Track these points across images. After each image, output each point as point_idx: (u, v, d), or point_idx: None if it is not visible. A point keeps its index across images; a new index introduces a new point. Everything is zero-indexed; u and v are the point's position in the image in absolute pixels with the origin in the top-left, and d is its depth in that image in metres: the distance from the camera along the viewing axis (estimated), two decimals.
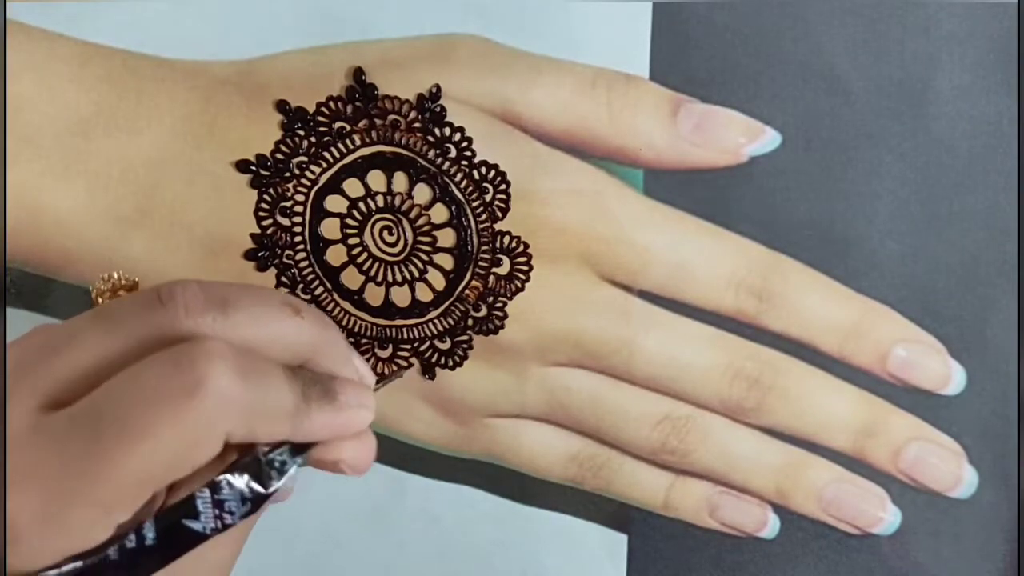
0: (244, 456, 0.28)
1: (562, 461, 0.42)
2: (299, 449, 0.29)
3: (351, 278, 0.40)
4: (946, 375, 0.41)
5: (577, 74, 0.40)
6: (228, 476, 0.27)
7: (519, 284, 0.40)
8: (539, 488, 0.42)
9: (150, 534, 0.26)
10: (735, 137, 0.40)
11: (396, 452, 0.42)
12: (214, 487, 0.27)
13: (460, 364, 0.41)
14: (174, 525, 0.27)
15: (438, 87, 0.39)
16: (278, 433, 0.28)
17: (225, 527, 0.27)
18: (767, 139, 0.40)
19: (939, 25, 0.39)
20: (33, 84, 0.39)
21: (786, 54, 0.40)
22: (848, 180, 0.40)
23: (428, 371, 0.41)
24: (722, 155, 0.40)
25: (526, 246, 0.40)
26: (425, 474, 0.42)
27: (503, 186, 0.40)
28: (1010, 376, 0.41)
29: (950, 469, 0.41)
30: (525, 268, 0.40)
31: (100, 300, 0.29)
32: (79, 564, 0.26)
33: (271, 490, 0.28)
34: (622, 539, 0.43)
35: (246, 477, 0.28)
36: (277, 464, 0.28)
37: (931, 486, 0.42)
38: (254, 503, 0.28)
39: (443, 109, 0.39)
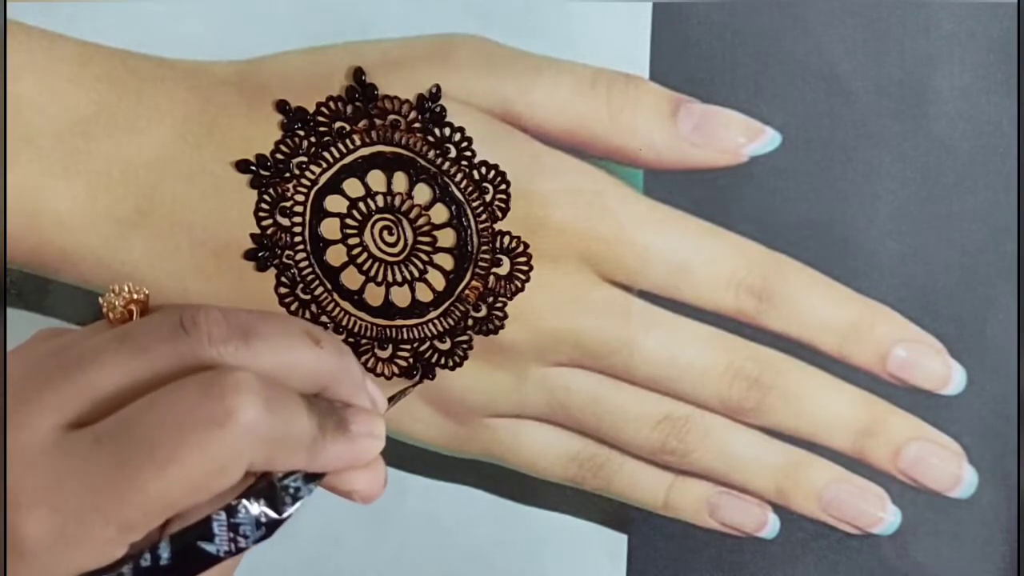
0: (259, 482, 0.28)
1: (562, 461, 0.42)
2: (312, 476, 0.29)
3: (351, 278, 0.40)
4: (946, 375, 0.41)
5: (577, 74, 0.40)
6: (244, 501, 0.28)
7: (519, 284, 0.40)
8: (539, 488, 0.42)
9: (165, 554, 0.27)
10: (735, 137, 0.40)
11: (396, 452, 0.42)
12: (230, 511, 0.27)
13: (460, 364, 0.41)
14: (189, 547, 0.27)
15: (438, 87, 0.39)
16: (295, 463, 0.28)
17: (239, 551, 0.27)
18: (767, 139, 0.40)
19: (939, 25, 0.39)
20: (33, 84, 0.39)
21: (786, 54, 0.40)
22: (848, 180, 0.40)
23: (428, 371, 0.41)
24: (722, 155, 0.40)
25: (526, 246, 0.40)
26: (425, 474, 0.42)
27: (503, 186, 0.40)
28: (1010, 376, 0.41)
29: (950, 469, 0.41)
30: (525, 268, 0.40)
31: (111, 314, 0.29)
32: None
33: (285, 515, 0.28)
34: (622, 539, 0.43)
35: (261, 502, 0.28)
36: (291, 490, 0.28)
37: (931, 486, 0.42)
38: (268, 528, 0.28)
39: (443, 109, 0.39)
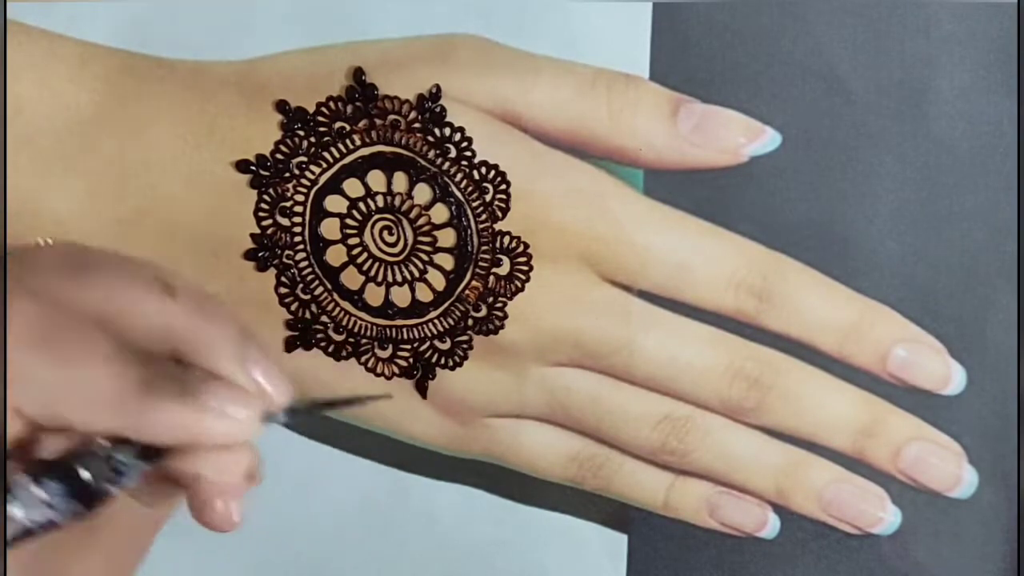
0: (78, 446, 0.24)
1: (562, 461, 0.42)
2: (149, 454, 0.25)
3: (351, 278, 0.40)
4: (946, 375, 0.41)
5: (577, 74, 0.39)
6: (53, 463, 0.24)
7: (519, 284, 0.40)
8: (539, 488, 0.42)
9: None
10: (735, 137, 0.40)
11: (396, 452, 0.42)
12: (34, 477, 0.23)
13: (460, 364, 0.41)
14: None
15: (438, 87, 0.39)
16: (97, 422, 0.24)
17: (49, 523, 0.24)
18: (767, 139, 0.40)
19: (939, 25, 0.39)
20: (33, 84, 0.39)
21: (786, 54, 0.40)
22: (848, 180, 0.40)
23: (428, 371, 0.41)
24: (722, 155, 0.40)
25: (526, 246, 0.40)
26: (425, 474, 0.42)
27: (503, 186, 0.40)
28: (1010, 376, 0.41)
29: (950, 469, 0.41)
30: (525, 268, 0.40)
31: None
32: None
33: (103, 488, 0.24)
34: (622, 539, 0.42)
35: (77, 467, 0.24)
36: (115, 463, 0.24)
37: (931, 486, 0.42)
38: (82, 501, 0.24)
39: (443, 109, 0.39)
